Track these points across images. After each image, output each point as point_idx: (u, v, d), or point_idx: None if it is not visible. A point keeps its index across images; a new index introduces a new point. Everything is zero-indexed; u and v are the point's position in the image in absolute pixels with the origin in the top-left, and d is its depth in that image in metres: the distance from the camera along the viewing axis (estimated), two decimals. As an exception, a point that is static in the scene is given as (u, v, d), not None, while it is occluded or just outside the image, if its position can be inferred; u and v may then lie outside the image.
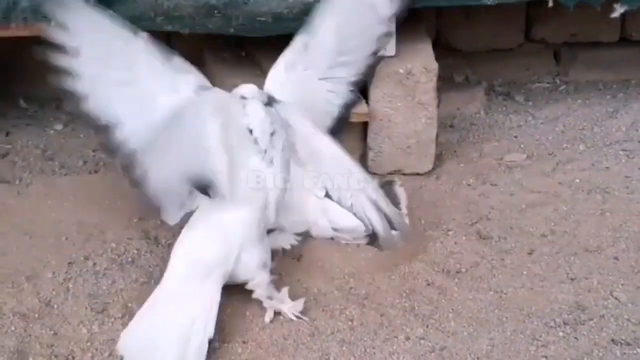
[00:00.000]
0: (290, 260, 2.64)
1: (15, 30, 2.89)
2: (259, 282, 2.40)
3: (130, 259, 2.65)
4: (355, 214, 2.57)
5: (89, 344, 2.34)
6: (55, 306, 2.47)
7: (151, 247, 2.70)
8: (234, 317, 2.44)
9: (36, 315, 2.43)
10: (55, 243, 2.72)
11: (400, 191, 2.74)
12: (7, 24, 2.87)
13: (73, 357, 2.30)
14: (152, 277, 2.55)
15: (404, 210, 2.68)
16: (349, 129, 3.05)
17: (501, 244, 2.74)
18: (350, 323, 2.42)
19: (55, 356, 2.30)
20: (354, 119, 2.99)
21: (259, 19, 2.93)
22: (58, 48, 2.30)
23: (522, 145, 3.29)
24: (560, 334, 2.37)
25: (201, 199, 2.41)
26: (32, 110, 3.52)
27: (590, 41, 3.75)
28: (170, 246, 2.52)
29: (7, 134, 3.37)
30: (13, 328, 2.38)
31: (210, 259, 2.33)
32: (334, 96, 2.73)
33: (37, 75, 3.58)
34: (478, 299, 2.51)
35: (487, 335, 2.37)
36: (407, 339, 2.37)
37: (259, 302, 2.45)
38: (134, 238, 2.74)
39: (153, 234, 2.75)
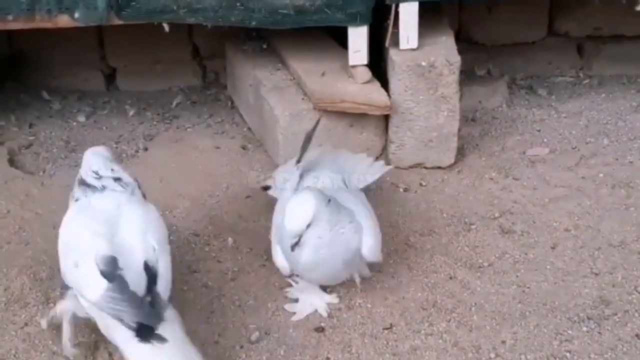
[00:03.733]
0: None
1: (39, 22, 2.91)
2: None
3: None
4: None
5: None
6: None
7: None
8: (256, 310, 2.45)
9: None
10: (78, 234, 2.73)
11: None
12: (31, 16, 2.89)
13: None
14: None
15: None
16: (370, 122, 3.05)
17: (524, 238, 2.73)
18: (372, 316, 2.42)
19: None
20: (376, 112, 2.99)
21: (280, 11, 2.93)
22: None
23: (545, 140, 3.26)
24: (584, 328, 2.36)
25: None
26: (55, 103, 3.54)
27: (614, 35, 3.71)
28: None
29: (30, 126, 3.39)
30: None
31: None
32: None
33: (61, 68, 3.66)
34: (501, 293, 2.50)
35: (510, 329, 2.36)
36: (429, 333, 2.36)
37: (282, 295, 2.49)
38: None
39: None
